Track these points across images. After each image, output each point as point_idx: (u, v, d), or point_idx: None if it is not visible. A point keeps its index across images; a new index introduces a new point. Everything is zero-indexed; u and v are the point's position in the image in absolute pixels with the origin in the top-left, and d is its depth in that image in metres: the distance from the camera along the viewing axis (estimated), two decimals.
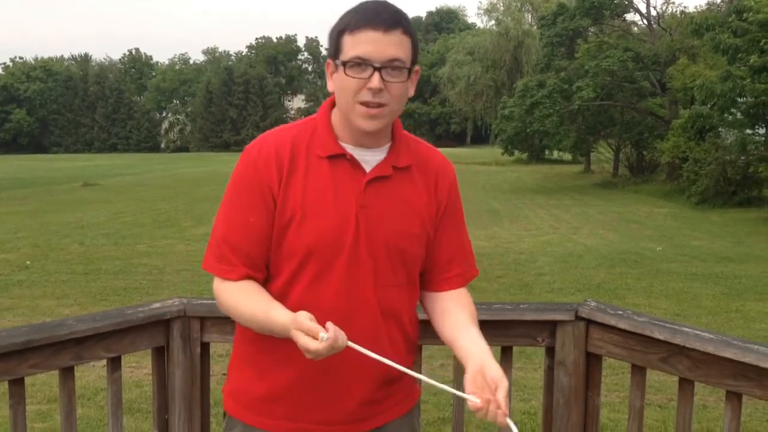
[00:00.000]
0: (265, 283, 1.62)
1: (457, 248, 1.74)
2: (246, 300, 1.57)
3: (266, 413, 1.64)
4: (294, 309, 1.51)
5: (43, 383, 5.22)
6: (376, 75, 1.50)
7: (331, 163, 1.58)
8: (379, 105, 1.52)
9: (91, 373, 5.55)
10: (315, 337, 1.40)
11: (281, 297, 1.58)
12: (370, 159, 1.61)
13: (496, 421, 1.44)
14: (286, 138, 1.60)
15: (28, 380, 2.03)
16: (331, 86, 1.58)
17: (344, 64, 1.51)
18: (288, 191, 1.56)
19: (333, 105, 1.64)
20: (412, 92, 1.61)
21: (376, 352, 1.50)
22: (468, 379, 1.49)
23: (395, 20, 1.51)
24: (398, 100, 1.55)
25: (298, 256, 1.57)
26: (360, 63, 1.50)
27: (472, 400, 1.45)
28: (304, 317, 1.43)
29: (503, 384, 1.47)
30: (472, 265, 1.80)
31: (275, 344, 1.57)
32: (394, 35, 1.51)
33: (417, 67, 1.59)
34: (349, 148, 1.60)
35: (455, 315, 1.67)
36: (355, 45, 1.50)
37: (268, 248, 1.59)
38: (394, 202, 1.62)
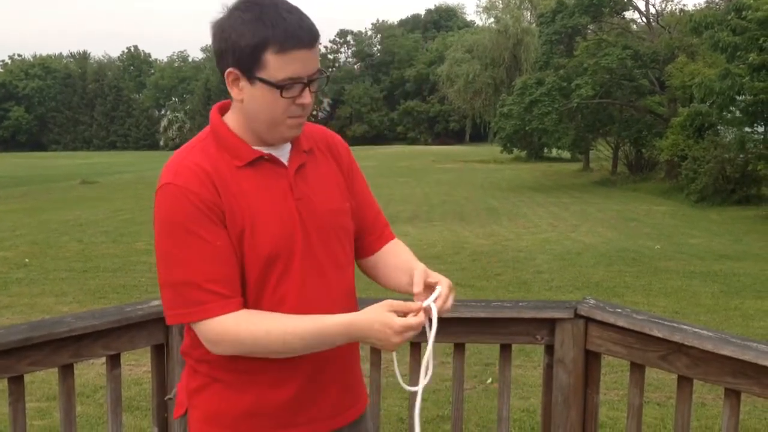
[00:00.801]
0: None
1: (374, 204, 1.81)
2: (275, 323, 1.49)
3: (247, 428, 1.60)
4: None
5: (42, 381, 5.22)
6: (307, 91, 1.51)
7: (252, 168, 1.56)
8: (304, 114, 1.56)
9: (90, 371, 5.55)
10: (411, 311, 1.45)
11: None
12: (281, 154, 1.60)
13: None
14: (198, 157, 1.54)
15: (27, 378, 2.03)
16: (238, 95, 1.52)
17: (280, 87, 1.47)
18: (232, 207, 1.52)
19: (222, 112, 1.61)
20: None
21: None
22: (419, 295, 1.55)
23: (315, 33, 1.50)
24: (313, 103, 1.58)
25: (257, 267, 1.53)
26: (293, 84, 1.49)
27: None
28: (390, 301, 1.47)
29: (415, 276, 1.54)
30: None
31: (248, 359, 1.55)
32: (316, 49, 1.51)
33: None
34: (261, 149, 1.58)
35: (402, 266, 1.69)
36: (286, 66, 1.47)
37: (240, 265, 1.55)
38: (319, 185, 1.64)
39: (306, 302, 1.57)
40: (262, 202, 1.54)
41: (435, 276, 1.56)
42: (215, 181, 1.51)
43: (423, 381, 1.51)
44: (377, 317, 1.45)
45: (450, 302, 1.54)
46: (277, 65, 1.46)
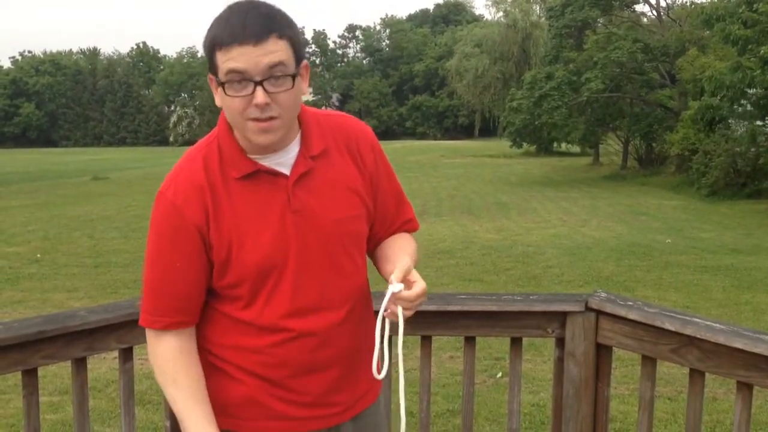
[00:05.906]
0: (227, 306, 1.59)
1: (398, 197, 1.75)
2: (177, 388, 1.56)
3: (241, 416, 1.62)
4: (261, 323, 1.55)
5: (54, 375, 5.26)
6: (259, 90, 1.41)
7: (249, 181, 1.52)
8: (270, 118, 1.44)
9: (102, 365, 5.59)
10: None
11: (244, 317, 1.57)
12: (284, 161, 1.54)
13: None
14: (197, 169, 1.53)
15: (39, 371, 2.05)
16: (218, 101, 1.50)
17: (222, 84, 1.43)
18: (220, 224, 1.51)
19: None
20: (305, 90, 1.53)
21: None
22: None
23: (264, 29, 1.40)
24: (290, 108, 1.47)
25: (249, 281, 1.53)
26: (238, 80, 1.41)
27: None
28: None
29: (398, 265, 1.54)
30: (413, 212, 1.82)
31: (249, 349, 1.57)
32: (267, 44, 1.40)
33: (305, 62, 1.50)
34: (261, 159, 1.53)
35: (391, 257, 1.66)
36: (228, 62, 1.41)
37: (198, 293, 1.56)
38: (327, 191, 1.57)
39: (298, 312, 1.56)
40: (253, 218, 1.52)
41: (415, 276, 1.54)
42: (206, 196, 1.51)
43: (384, 371, 1.57)
44: None
45: (412, 302, 1.51)
46: (220, 62, 1.43)
